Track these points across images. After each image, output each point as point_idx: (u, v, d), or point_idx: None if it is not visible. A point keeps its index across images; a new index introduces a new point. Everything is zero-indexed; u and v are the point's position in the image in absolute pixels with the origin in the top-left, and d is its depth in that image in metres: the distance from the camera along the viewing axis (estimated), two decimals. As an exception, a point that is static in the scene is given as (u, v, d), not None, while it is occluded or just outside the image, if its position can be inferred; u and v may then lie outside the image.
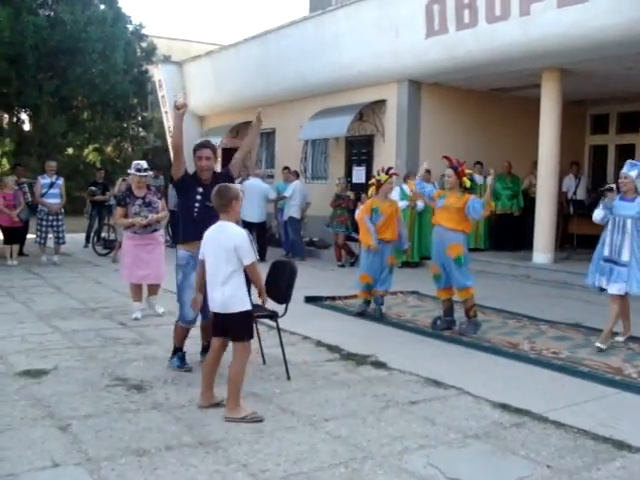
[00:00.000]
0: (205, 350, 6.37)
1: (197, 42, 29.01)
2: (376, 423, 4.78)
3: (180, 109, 5.76)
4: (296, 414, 4.95)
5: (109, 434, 4.50)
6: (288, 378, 5.79)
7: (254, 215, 14.21)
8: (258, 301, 5.21)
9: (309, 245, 15.53)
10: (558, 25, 10.76)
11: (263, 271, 6.36)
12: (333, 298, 9.78)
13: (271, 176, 18.44)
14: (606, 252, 7.14)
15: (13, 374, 5.89)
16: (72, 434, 4.50)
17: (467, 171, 7.93)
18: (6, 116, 17.24)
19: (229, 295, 4.83)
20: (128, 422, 4.73)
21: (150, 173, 8.67)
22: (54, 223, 13.24)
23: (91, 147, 20.79)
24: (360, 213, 8.82)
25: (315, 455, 4.20)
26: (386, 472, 3.99)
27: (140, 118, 17.36)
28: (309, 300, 9.55)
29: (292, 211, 14.55)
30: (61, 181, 13.51)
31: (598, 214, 7.35)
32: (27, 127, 16.52)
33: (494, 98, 15.13)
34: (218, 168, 5.98)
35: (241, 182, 15.11)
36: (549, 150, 12.62)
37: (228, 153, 20.19)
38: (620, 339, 7.37)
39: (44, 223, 13.24)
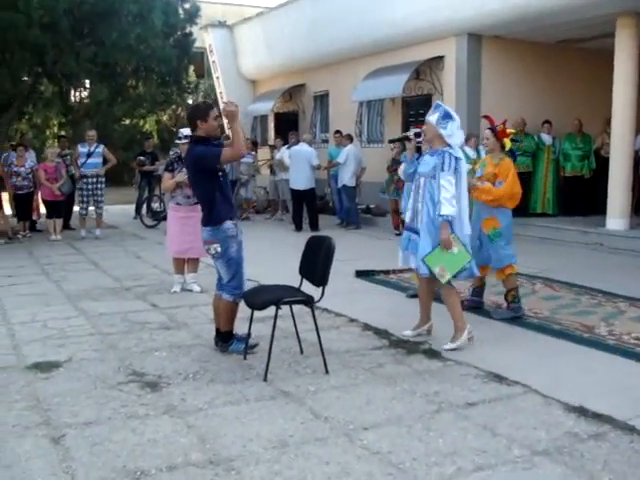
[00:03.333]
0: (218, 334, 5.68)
1: (250, 6, 28.12)
2: (424, 434, 3.95)
3: (229, 116, 5.18)
4: (330, 420, 4.16)
5: (106, 448, 3.81)
6: (326, 372, 5.02)
7: (300, 182, 13.42)
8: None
9: (365, 213, 14.65)
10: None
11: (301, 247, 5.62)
12: (387, 272, 8.91)
13: (325, 141, 17.61)
14: (407, 219, 5.93)
15: (23, 367, 5.29)
16: (64, 448, 3.82)
17: (509, 131, 6.70)
18: (49, 87, 16.61)
19: None
20: (132, 432, 4.02)
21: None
22: (94, 191, 12.72)
23: (143, 116, 20.30)
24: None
25: (346, 479, 3.42)
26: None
27: (185, 83, 16.64)
28: (360, 274, 8.75)
29: (346, 178, 13.69)
30: (100, 149, 12.86)
31: (401, 169, 6.51)
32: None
33: (563, 51, 13.78)
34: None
35: (288, 147, 14.36)
36: (624, 106, 11.24)
37: (281, 117, 19.48)
38: (408, 333, 5.97)
39: (84, 192, 12.74)
